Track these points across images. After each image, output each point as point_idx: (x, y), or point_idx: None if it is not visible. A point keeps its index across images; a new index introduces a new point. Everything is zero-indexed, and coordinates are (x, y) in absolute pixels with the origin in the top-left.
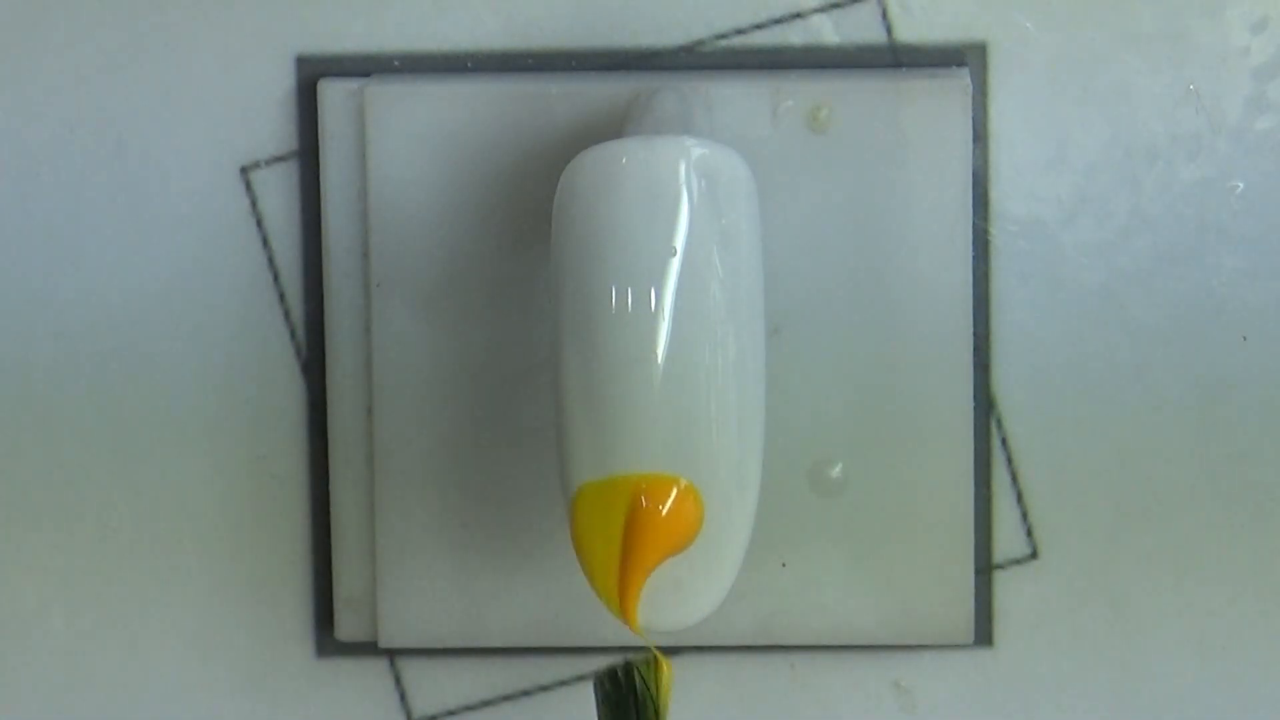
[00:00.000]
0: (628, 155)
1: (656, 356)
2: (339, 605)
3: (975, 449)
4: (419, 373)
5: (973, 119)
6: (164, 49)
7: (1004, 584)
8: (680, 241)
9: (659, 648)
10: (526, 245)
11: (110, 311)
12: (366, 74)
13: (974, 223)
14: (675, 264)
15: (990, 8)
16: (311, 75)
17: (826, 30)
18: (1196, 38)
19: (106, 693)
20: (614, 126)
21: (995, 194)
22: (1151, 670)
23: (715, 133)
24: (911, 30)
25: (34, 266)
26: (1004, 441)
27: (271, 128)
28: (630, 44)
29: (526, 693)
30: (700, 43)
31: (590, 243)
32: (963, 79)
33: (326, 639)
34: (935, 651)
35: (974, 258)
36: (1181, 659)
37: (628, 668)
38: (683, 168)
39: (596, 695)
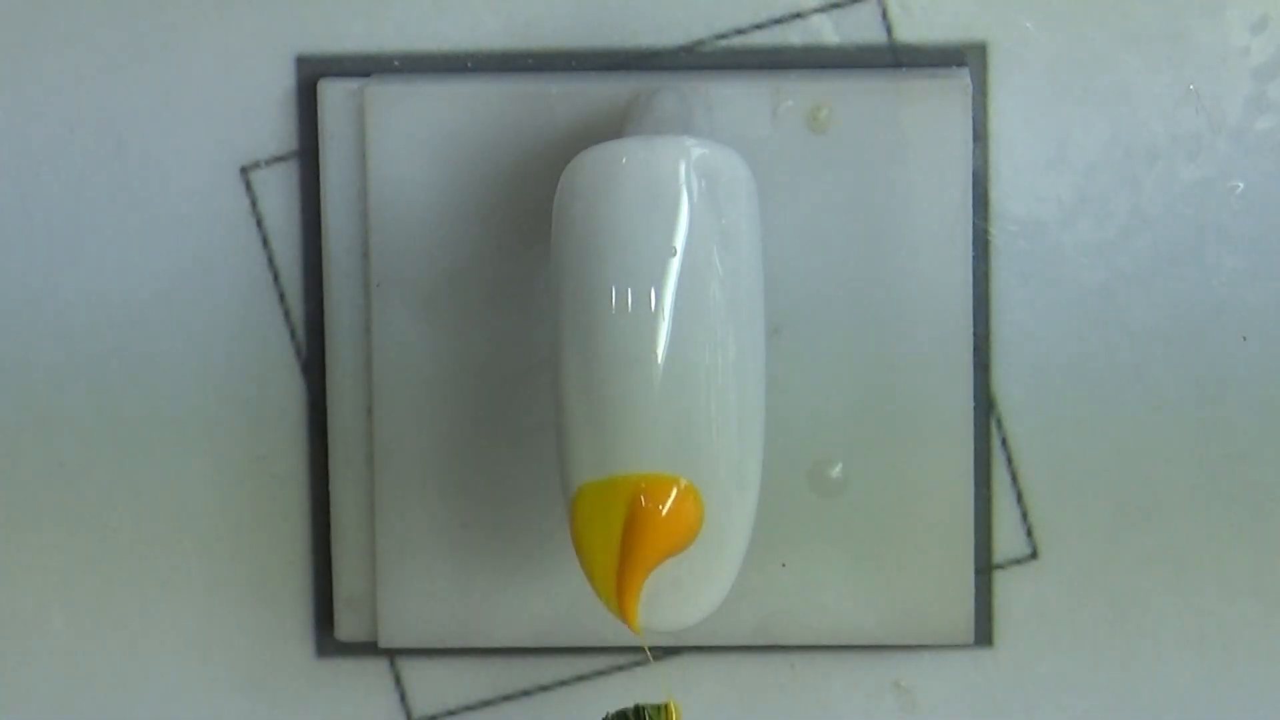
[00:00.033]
0: (628, 155)
1: (656, 356)
2: (339, 605)
3: (975, 449)
4: (419, 373)
5: (973, 119)
6: (164, 49)
7: (1004, 584)
8: (680, 241)
9: (659, 648)
10: (526, 245)
11: (110, 311)
12: (366, 74)
13: (974, 223)
14: (675, 264)
15: (990, 8)
16: (311, 75)
17: (826, 30)
18: (1196, 38)
19: (106, 693)
20: (614, 126)
21: (995, 194)
22: (1151, 670)
23: (715, 133)
24: (911, 30)
25: (34, 266)
26: (1004, 441)
27: (271, 128)
28: (630, 44)
29: (526, 693)
30: (700, 43)
31: (590, 243)
32: (963, 79)
33: (326, 639)
34: (935, 651)
35: (974, 258)
36: (1181, 659)
37: (638, 711)
38: (683, 168)
39: None
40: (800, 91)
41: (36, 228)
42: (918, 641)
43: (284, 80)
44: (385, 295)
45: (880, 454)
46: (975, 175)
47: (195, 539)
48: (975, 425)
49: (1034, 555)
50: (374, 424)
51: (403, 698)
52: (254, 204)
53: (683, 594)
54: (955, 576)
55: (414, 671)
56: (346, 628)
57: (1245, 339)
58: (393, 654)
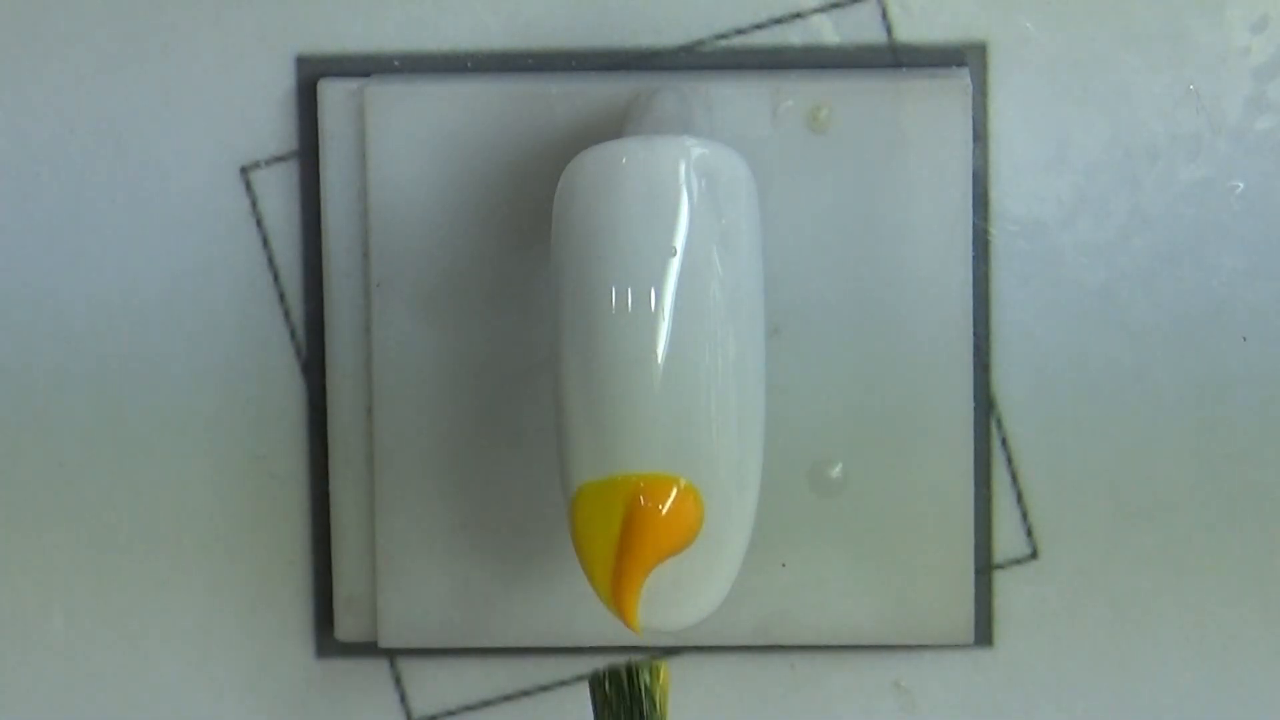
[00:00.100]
0: (628, 155)
1: (656, 356)
2: (339, 605)
3: (975, 449)
4: (419, 373)
5: (973, 119)
6: (164, 49)
7: (1004, 584)
8: (680, 241)
9: (659, 648)
10: (526, 245)
11: (110, 311)
12: (366, 74)
13: (974, 223)
14: (675, 264)
15: (990, 8)
16: (311, 75)
17: (826, 30)
18: (1196, 38)
19: (106, 693)
20: (614, 126)
21: (995, 194)
22: (1151, 670)
23: (715, 133)
24: (911, 30)
25: (34, 266)
26: (1004, 441)
27: (271, 128)
28: (630, 44)
29: (526, 693)
30: (700, 43)
31: (590, 243)
32: (963, 79)
33: (326, 639)
34: (935, 651)
35: (974, 258)
36: (1181, 659)
37: (629, 670)
38: (683, 168)
39: (594, 698)
40: (800, 91)
41: (36, 228)
42: (918, 641)
43: (284, 80)
44: (385, 295)
45: (880, 454)
46: (975, 175)
47: (195, 539)
48: (975, 425)
49: (1034, 555)
50: (374, 424)
51: (403, 698)
52: (254, 204)
53: (683, 594)
54: (955, 576)
55: (414, 671)
56: (346, 628)
57: (1245, 339)
58: (393, 654)
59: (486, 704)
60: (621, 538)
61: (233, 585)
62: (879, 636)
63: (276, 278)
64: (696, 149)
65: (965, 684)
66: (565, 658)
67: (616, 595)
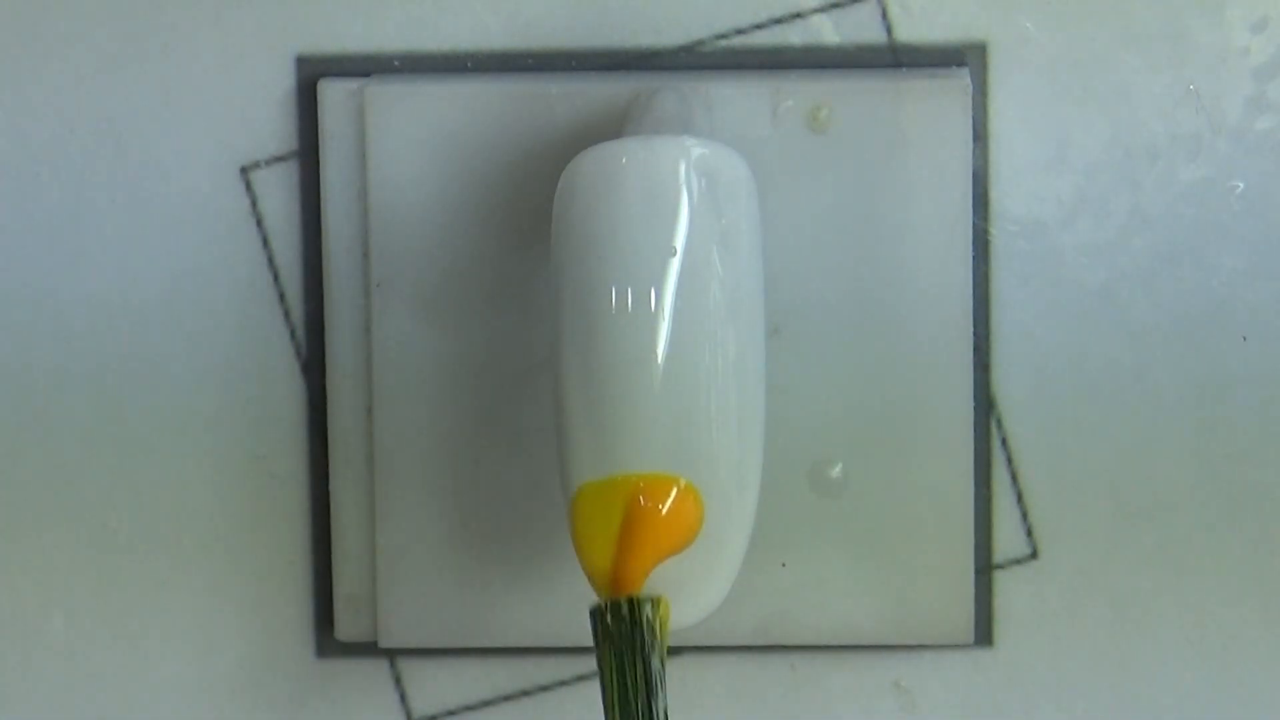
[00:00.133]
0: (628, 155)
1: (656, 356)
2: (339, 605)
3: (975, 449)
4: (419, 373)
5: (973, 119)
6: (164, 49)
7: (1004, 584)
8: (680, 241)
9: None
10: (526, 245)
11: (110, 312)
12: (366, 74)
13: (974, 223)
14: (675, 264)
15: (990, 8)
16: (311, 75)
17: (826, 30)
18: (1196, 38)
19: (106, 693)
20: (614, 126)
21: (995, 194)
22: (1151, 670)
23: (715, 133)
24: (911, 30)
25: (33, 266)
26: (1004, 441)
27: (271, 128)
28: (630, 44)
29: (526, 693)
30: (700, 43)
31: (590, 243)
32: (963, 79)
33: (326, 639)
34: (935, 651)
35: (974, 258)
36: (1181, 659)
37: (631, 602)
38: (683, 168)
39: (595, 630)
40: (800, 91)
41: (36, 227)
42: (918, 641)
43: (284, 80)
44: (385, 295)
45: (880, 454)
46: (975, 175)
47: (195, 539)
48: (975, 425)
49: (1034, 555)
50: (374, 424)
51: (403, 698)
52: (254, 204)
53: (683, 594)
54: (955, 576)
55: (414, 671)
56: (346, 628)
57: (1245, 339)
58: (393, 654)
59: (486, 704)
60: (621, 538)
61: (233, 585)
62: (879, 636)
63: (276, 278)
64: (696, 149)
65: (965, 684)
66: (565, 658)
67: (616, 595)
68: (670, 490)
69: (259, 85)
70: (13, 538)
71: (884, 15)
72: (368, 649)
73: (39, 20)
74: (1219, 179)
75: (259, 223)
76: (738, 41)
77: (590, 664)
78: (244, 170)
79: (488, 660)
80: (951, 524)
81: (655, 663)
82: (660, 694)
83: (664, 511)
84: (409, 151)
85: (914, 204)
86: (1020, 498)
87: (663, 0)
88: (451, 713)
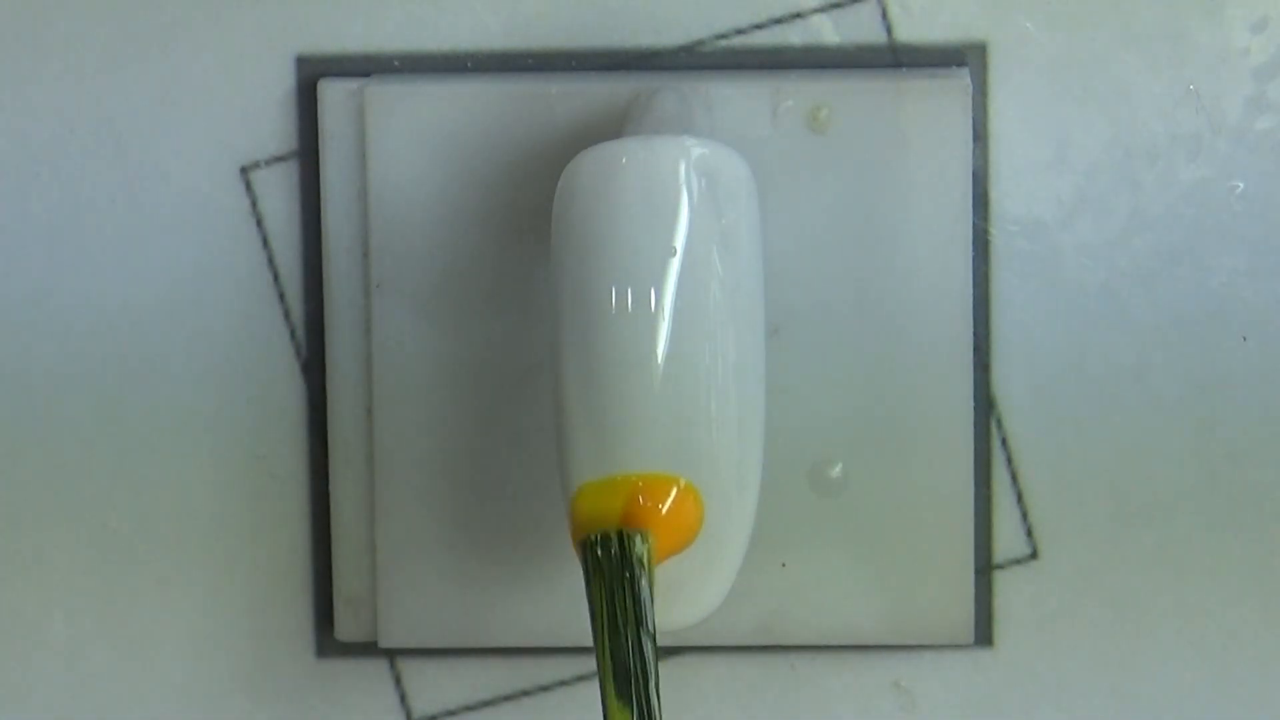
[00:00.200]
0: (628, 155)
1: (656, 356)
2: (339, 605)
3: (975, 449)
4: (419, 373)
5: (973, 119)
6: (164, 49)
7: (1004, 584)
8: (680, 241)
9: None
10: (526, 245)
11: (110, 312)
12: (366, 74)
13: (974, 223)
14: (675, 264)
15: (990, 8)
16: (311, 75)
17: (826, 30)
18: (1196, 38)
19: (106, 693)
20: (614, 126)
21: (995, 194)
22: (1151, 670)
23: (715, 133)
24: (911, 30)
25: (33, 267)
26: (1004, 441)
27: (271, 128)
28: (630, 44)
29: (526, 693)
30: (700, 43)
31: (590, 243)
32: (963, 79)
33: (326, 639)
34: (935, 651)
35: (974, 258)
36: (1181, 659)
37: (621, 535)
38: (683, 168)
39: (585, 565)
40: (800, 91)
41: (36, 228)
42: (918, 641)
43: (284, 80)
44: (385, 295)
45: (880, 454)
46: (975, 175)
47: (195, 539)
48: (975, 425)
49: (1034, 555)
50: (374, 424)
51: (403, 698)
52: (254, 204)
53: (683, 594)
54: (955, 576)
55: (414, 671)
56: (346, 628)
57: (1245, 339)
58: (393, 654)
59: (486, 704)
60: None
61: (233, 585)
62: (879, 636)
63: (276, 278)
64: (696, 149)
65: (965, 684)
66: (565, 658)
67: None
68: (670, 490)
69: (259, 85)
70: (13, 538)
71: (884, 15)
72: (368, 649)
73: (39, 20)
74: (1219, 179)
75: (259, 223)
76: (738, 41)
77: (590, 664)
78: (244, 170)
79: (488, 660)
80: (951, 524)
81: (645, 594)
82: (649, 624)
83: (664, 511)
84: (409, 151)
85: (914, 204)
86: (1020, 498)
87: (663, 0)
88: (451, 713)
